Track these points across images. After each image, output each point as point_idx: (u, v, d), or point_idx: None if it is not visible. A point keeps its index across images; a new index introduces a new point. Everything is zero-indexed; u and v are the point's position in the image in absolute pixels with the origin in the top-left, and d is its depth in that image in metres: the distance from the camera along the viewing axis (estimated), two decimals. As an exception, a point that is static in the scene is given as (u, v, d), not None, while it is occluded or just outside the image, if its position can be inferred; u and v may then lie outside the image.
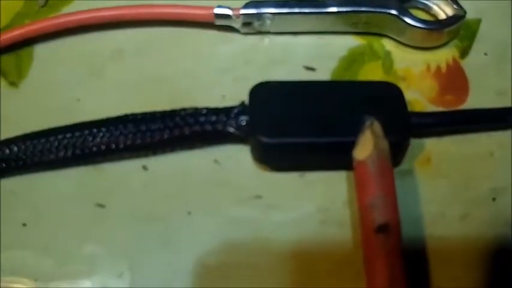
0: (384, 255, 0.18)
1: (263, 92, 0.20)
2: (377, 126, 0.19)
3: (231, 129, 0.20)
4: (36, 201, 0.21)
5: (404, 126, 0.20)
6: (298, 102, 0.20)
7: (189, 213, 0.20)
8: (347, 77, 0.22)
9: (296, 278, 0.20)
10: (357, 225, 0.20)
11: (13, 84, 0.22)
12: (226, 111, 0.20)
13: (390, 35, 0.22)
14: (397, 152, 0.20)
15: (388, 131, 0.20)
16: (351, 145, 0.20)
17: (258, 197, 0.20)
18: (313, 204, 0.20)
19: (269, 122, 0.20)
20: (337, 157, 0.20)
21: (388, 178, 0.18)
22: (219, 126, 0.20)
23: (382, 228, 0.18)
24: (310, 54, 0.22)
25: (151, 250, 0.20)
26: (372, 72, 0.22)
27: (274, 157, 0.20)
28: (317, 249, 0.20)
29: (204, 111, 0.20)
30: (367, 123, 0.19)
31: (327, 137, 0.20)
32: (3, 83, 0.22)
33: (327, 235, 0.20)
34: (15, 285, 0.21)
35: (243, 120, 0.20)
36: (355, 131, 0.20)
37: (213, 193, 0.20)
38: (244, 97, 0.21)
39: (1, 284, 0.21)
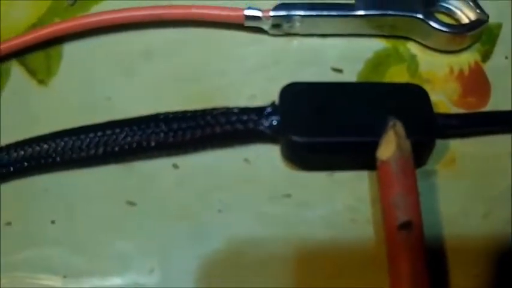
0: (407, 252, 0.18)
1: (293, 92, 0.20)
2: (400, 127, 0.19)
3: (262, 128, 0.20)
4: (66, 199, 0.21)
5: (430, 127, 0.20)
6: (328, 103, 0.20)
7: (220, 211, 0.21)
8: (373, 79, 0.22)
9: (326, 275, 0.20)
10: (381, 224, 0.20)
11: (42, 82, 0.23)
12: (258, 110, 0.20)
13: (415, 39, 0.22)
14: (422, 152, 0.21)
15: (414, 132, 0.20)
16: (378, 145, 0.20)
17: (288, 195, 0.21)
18: (342, 203, 0.21)
19: (300, 122, 0.20)
20: (366, 157, 0.20)
21: (410, 177, 0.19)
22: (250, 125, 0.20)
23: (405, 226, 0.18)
24: (338, 56, 0.22)
25: (181, 247, 0.20)
26: (397, 75, 0.22)
27: (305, 156, 0.20)
28: (347, 247, 0.20)
29: (236, 111, 0.20)
30: (390, 123, 0.19)
31: (356, 137, 0.20)
32: (33, 81, 0.23)
33: (357, 233, 0.20)
34: (44, 282, 0.21)
35: (274, 119, 0.20)
36: (382, 132, 0.20)
37: (243, 191, 0.21)
38: (274, 97, 0.21)
39: (31, 281, 0.21)
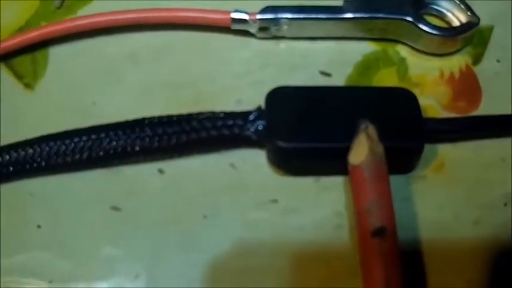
0: (380, 258, 0.18)
1: (279, 96, 0.20)
2: (372, 130, 0.19)
3: (248, 134, 0.20)
4: (52, 203, 0.21)
5: (418, 132, 0.20)
6: (315, 107, 0.20)
7: (205, 216, 0.20)
8: (362, 82, 0.22)
9: (312, 281, 0.20)
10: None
11: (28, 86, 0.22)
12: (243, 115, 0.20)
13: (405, 42, 0.22)
14: (411, 157, 0.20)
15: (402, 137, 0.20)
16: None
17: (274, 201, 0.20)
18: (328, 209, 0.20)
19: (286, 127, 0.20)
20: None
21: (383, 182, 0.18)
22: (236, 130, 0.20)
23: (378, 232, 0.18)
24: (326, 60, 0.22)
25: (167, 253, 0.20)
26: (386, 79, 0.22)
27: (291, 161, 0.20)
28: (333, 253, 0.20)
29: (221, 115, 0.20)
30: (362, 126, 0.19)
31: (343, 142, 0.20)
32: (19, 84, 0.22)
33: (343, 239, 0.20)
34: (30, 287, 0.21)
35: (260, 124, 0.20)
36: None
37: (229, 197, 0.21)
38: (261, 101, 0.21)
39: (17, 286, 0.21)
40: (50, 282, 0.20)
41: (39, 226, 0.21)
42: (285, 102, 0.20)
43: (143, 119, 0.20)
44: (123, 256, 0.20)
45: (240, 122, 0.20)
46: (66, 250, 0.21)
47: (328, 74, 0.22)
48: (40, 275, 0.20)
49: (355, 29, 0.22)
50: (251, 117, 0.20)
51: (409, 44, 0.22)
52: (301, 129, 0.20)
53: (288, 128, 0.20)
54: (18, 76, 0.22)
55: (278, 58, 0.22)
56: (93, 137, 0.20)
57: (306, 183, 0.21)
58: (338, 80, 0.22)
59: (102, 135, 0.20)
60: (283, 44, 0.22)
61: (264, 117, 0.20)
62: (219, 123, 0.20)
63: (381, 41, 0.22)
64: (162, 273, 0.20)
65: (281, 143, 0.20)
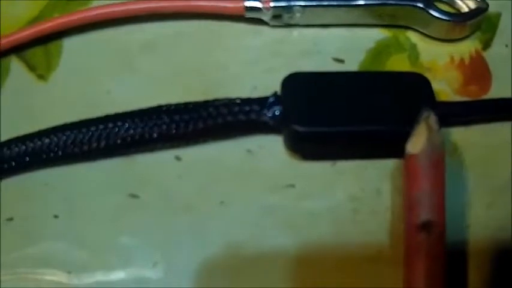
0: (424, 254, 0.17)
1: (296, 82, 0.20)
2: (433, 120, 0.18)
3: (265, 119, 0.20)
4: (68, 193, 0.21)
5: (433, 116, 0.20)
6: (330, 93, 0.20)
7: (222, 203, 0.21)
8: (375, 68, 0.22)
9: (328, 266, 0.20)
10: (394, 214, 0.20)
11: (42, 77, 0.22)
12: (260, 101, 0.20)
13: (415, 28, 0.22)
14: (426, 141, 0.21)
15: (415, 120, 0.20)
16: (381, 134, 0.20)
17: (291, 186, 0.21)
18: (345, 193, 0.21)
19: (302, 112, 0.20)
20: (369, 146, 0.21)
21: (438, 175, 0.18)
22: (253, 116, 0.20)
23: (425, 225, 0.17)
24: (339, 47, 0.22)
25: (184, 240, 0.20)
26: (398, 64, 0.22)
27: (308, 146, 0.20)
28: (350, 237, 0.20)
29: (238, 101, 0.20)
30: (424, 115, 0.18)
31: (359, 127, 0.20)
32: (32, 76, 0.22)
33: (359, 223, 0.20)
34: (48, 278, 0.21)
35: (277, 110, 0.20)
36: (385, 121, 0.20)
37: (245, 183, 0.21)
38: (275, 88, 0.21)
39: (34, 276, 0.21)
40: (69, 272, 0.20)
41: (56, 216, 0.21)
42: (301, 87, 0.20)
43: (160, 107, 0.21)
44: (140, 244, 0.20)
45: (256, 107, 0.20)
46: (84, 240, 0.21)
47: (341, 61, 0.22)
48: (58, 266, 0.20)
49: (366, 16, 0.22)
50: (268, 102, 0.20)
51: (420, 30, 0.22)
52: (318, 113, 0.20)
53: (305, 113, 0.20)
54: (31, 67, 0.22)
55: (291, 45, 0.22)
56: (110, 125, 0.21)
57: (322, 167, 0.21)
58: (351, 66, 0.22)
59: (119, 123, 0.20)
60: (295, 32, 0.22)
61: (280, 103, 0.20)
62: (236, 109, 0.20)
63: (392, 28, 0.23)
64: (180, 260, 0.20)
65: (298, 128, 0.20)
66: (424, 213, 0.18)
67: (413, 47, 0.23)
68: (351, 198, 0.20)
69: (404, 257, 0.18)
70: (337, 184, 0.21)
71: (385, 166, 0.21)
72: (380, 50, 0.22)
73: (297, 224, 0.20)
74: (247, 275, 0.20)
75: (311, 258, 0.20)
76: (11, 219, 0.21)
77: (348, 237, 0.20)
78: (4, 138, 0.21)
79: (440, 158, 0.18)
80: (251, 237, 0.20)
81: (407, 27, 0.23)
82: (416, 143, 0.18)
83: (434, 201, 0.18)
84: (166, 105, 0.21)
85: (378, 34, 0.22)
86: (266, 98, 0.20)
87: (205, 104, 0.20)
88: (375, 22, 0.22)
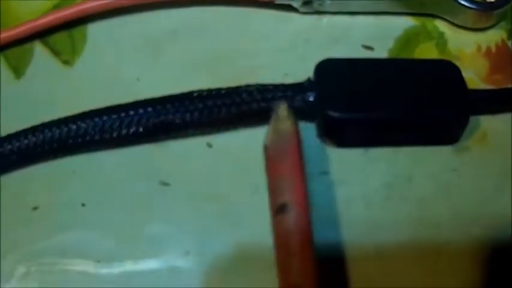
0: (283, 235, 0.17)
1: (329, 68, 0.20)
2: (282, 108, 0.18)
3: (298, 105, 0.20)
4: (96, 181, 0.21)
5: (464, 103, 0.20)
6: (363, 79, 0.20)
7: (255, 190, 0.20)
8: (403, 56, 0.22)
9: (360, 252, 0.20)
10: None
11: (67, 62, 0.22)
12: (293, 87, 0.20)
13: (443, 16, 0.22)
14: (458, 128, 0.21)
15: (449, 108, 0.20)
16: (414, 121, 0.20)
17: (325, 173, 0.20)
18: (377, 180, 0.20)
19: (336, 98, 0.20)
20: (401, 133, 0.21)
21: (289, 159, 0.18)
22: (287, 102, 0.20)
23: (281, 208, 0.17)
24: (368, 34, 0.22)
25: (216, 228, 0.20)
26: (426, 52, 0.22)
27: (341, 132, 0.20)
28: (381, 223, 0.20)
29: (271, 87, 0.20)
30: (274, 108, 0.19)
31: (392, 113, 0.20)
32: (57, 61, 0.22)
33: (391, 210, 0.20)
34: (76, 268, 0.20)
35: (310, 95, 0.20)
36: (418, 107, 0.20)
37: (279, 170, 0.21)
38: (306, 75, 0.21)
39: (61, 266, 0.20)
40: (98, 261, 0.20)
41: (83, 204, 0.21)
42: (335, 74, 0.20)
43: (192, 92, 0.20)
44: (172, 233, 0.20)
45: (290, 93, 0.20)
46: (113, 228, 0.20)
47: (370, 48, 0.22)
48: (86, 255, 0.20)
49: (395, 4, 0.22)
50: (301, 88, 0.20)
51: (447, 18, 0.23)
52: (352, 100, 0.20)
53: (339, 99, 0.20)
54: (56, 53, 0.22)
55: (321, 32, 0.22)
56: (141, 111, 0.20)
57: (354, 154, 0.21)
58: (380, 53, 0.22)
59: (150, 109, 0.20)
60: (325, 19, 0.22)
61: (314, 89, 0.20)
62: (269, 95, 0.20)
63: (420, 16, 0.23)
64: (212, 249, 0.20)
65: (333, 113, 0.20)
66: (280, 198, 0.17)
67: (441, 35, 0.23)
68: (383, 185, 0.20)
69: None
70: (369, 171, 0.20)
71: (416, 153, 0.21)
72: (409, 38, 0.22)
73: (330, 210, 0.20)
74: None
75: (344, 245, 0.20)
76: (36, 208, 0.21)
77: (380, 224, 0.20)
78: (29, 124, 0.21)
79: (292, 144, 0.18)
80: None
81: (435, 16, 0.23)
82: (268, 135, 0.18)
83: (290, 186, 0.18)
84: (197, 91, 0.20)
85: (406, 22, 0.22)
86: (300, 84, 0.20)
87: (238, 89, 0.20)
88: (403, 10, 0.22)
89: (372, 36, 0.22)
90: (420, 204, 0.20)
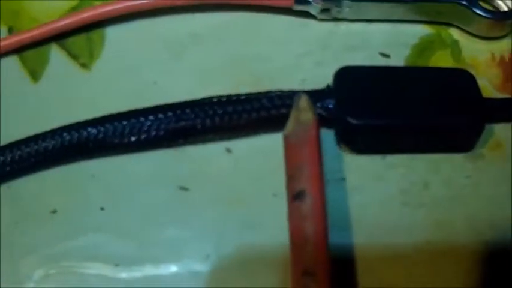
0: (300, 220, 0.18)
1: (347, 75, 0.21)
2: (303, 100, 0.19)
3: (318, 111, 0.20)
4: (115, 185, 0.21)
5: (479, 111, 0.21)
6: (381, 87, 0.20)
7: (274, 195, 0.20)
8: (419, 64, 0.22)
9: (377, 257, 0.20)
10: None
11: (85, 66, 0.22)
12: (313, 93, 0.20)
13: (458, 25, 0.23)
14: (473, 136, 0.21)
15: (465, 116, 0.20)
16: (431, 128, 0.21)
17: (342, 179, 0.21)
18: (394, 186, 0.21)
19: (356, 105, 0.20)
20: (418, 140, 0.21)
21: (308, 148, 0.18)
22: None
23: (298, 195, 0.17)
24: (384, 42, 0.22)
25: (236, 232, 0.20)
26: (442, 60, 0.22)
27: (360, 139, 0.20)
28: (399, 229, 0.20)
29: (291, 94, 0.20)
30: (295, 98, 0.19)
31: (411, 120, 0.20)
32: (75, 65, 0.22)
33: (409, 216, 0.20)
34: (95, 271, 0.20)
35: (330, 102, 0.20)
36: (435, 115, 0.20)
37: (297, 175, 0.21)
38: (324, 81, 0.21)
39: (80, 270, 0.20)
40: (117, 265, 0.20)
41: (102, 208, 0.21)
42: (354, 81, 0.20)
43: (211, 98, 0.20)
44: (191, 237, 0.20)
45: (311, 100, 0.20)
46: (132, 232, 0.20)
47: (387, 55, 0.22)
48: (105, 259, 0.20)
49: (411, 12, 0.22)
50: (321, 95, 0.20)
51: (462, 27, 0.23)
52: (371, 107, 0.20)
53: (359, 106, 0.20)
54: (73, 56, 0.22)
55: (338, 39, 0.22)
56: (160, 116, 0.20)
57: (372, 161, 0.21)
58: (397, 61, 0.22)
59: (170, 113, 0.20)
60: (342, 26, 0.22)
61: (333, 96, 0.20)
62: (289, 101, 0.20)
63: (435, 24, 0.23)
64: (232, 252, 0.20)
65: (352, 120, 0.20)
66: (298, 185, 0.18)
67: (456, 43, 0.23)
68: (400, 191, 0.21)
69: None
70: (387, 177, 0.21)
71: (432, 159, 0.21)
72: (424, 46, 0.23)
73: (348, 216, 0.20)
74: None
75: (360, 250, 0.20)
76: (54, 211, 0.21)
77: (395, 229, 0.20)
78: (46, 127, 0.21)
79: (310, 133, 0.18)
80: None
81: (449, 24, 0.23)
82: (288, 125, 0.19)
83: (308, 174, 0.18)
84: (217, 97, 0.20)
85: (422, 30, 0.23)
86: (319, 91, 0.20)
87: (259, 95, 0.20)
88: (419, 18, 0.23)
89: (388, 44, 0.22)
90: (435, 210, 0.21)
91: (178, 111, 0.20)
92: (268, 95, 0.20)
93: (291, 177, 0.18)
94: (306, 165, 0.18)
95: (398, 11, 0.22)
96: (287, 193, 0.18)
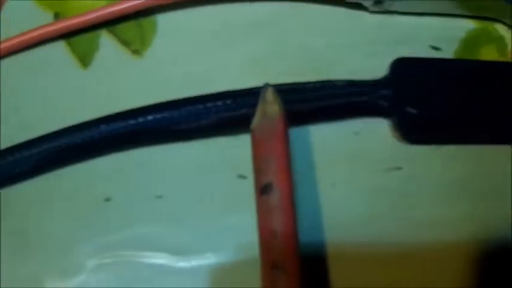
0: (269, 213, 0.18)
1: (404, 67, 0.21)
2: (269, 93, 0.19)
3: (377, 101, 0.20)
4: (172, 173, 0.20)
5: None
6: (438, 78, 0.21)
7: (333, 184, 0.20)
8: (468, 57, 0.22)
9: (436, 247, 0.20)
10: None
11: (136, 52, 0.22)
12: (372, 83, 0.20)
13: (503, 20, 0.23)
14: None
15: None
16: (487, 121, 0.21)
17: (398, 168, 0.21)
18: (449, 176, 0.21)
19: (414, 95, 0.20)
20: (471, 131, 0.21)
21: (275, 142, 0.18)
22: (365, 98, 0.20)
23: (265, 188, 0.18)
24: (434, 35, 0.22)
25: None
26: (488, 54, 0.23)
27: (417, 129, 0.21)
28: (454, 219, 0.21)
29: (352, 83, 0.20)
30: (262, 91, 0.19)
31: (467, 112, 0.21)
32: (126, 51, 0.22)
33: (462, 207, 0.21)
34: (152, 260, 0.20)
35: (388, 92, 0.20)
36: (490, 108, 0.21)
37: (354, 164, 0.21)
38: (375, 73, 0.21)
39: (137, 259, 0.20)
40: (174, 254, 0.20)
41: (159, 197, 0.20)
42: (410, 71, 0.21)
43: (274, 85, 0.20)
44: (251, 224, 0.20)
45: (368, 90, 0.20)
46: (190, 221, 0.20)
47: (438, 48, 0.22)
48: (163, 248, 0.20)
49: (458, 6, 0.22)
50: (380, 85, 0.20)
51: (507, 22, 0.23)
52: (429, 97, 0.20)
53: (416, 96, 0.20)
54: (124, 42, 0.22)
55: (389, 31, 0.22)
56: (219, 103, 0.20)
57: (427, 151, 0.21)
58: (447, 54, 0.22)
59: (229, 101, 0.20)
60: (393, 18, 0.22)
61: (391, 86, 0.20)
62: (349, 90, 0.20)
63: (481, 19, 0.23)
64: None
65: (411, 110, 0.20)
66: (265, 179, 0.18)
67: (501, 38, 0.23)
68: (454, 181, 0.21)
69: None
70: (441, 167, 0.21)
71: (484, 150, 0.21)
72: (471, 40, 0.23)
73: (404, 205, 0.20)
74: (357, 256, 0.20)
75: (416, 239, 0.20)
76: (108, 199, 0.20)
77: (451, 220, 0.21)
78: (98, 114, 0.20)
79: (279, 127, 0.18)
80: (362, 218, 0.20)
81: (495, 20, 0.23)
82: (256, 118, 0.19)
83: (275, 167, 0.18)
84: (278, 85, 0.20)
85: (469, 24, 0.23)
86: (377, 81, 0.21)
87: (319, 84, 0.20)
88: (465, 13, 0.23)
89: (438, 37, 0.22)
90: (484, 201, 0.21)
91: (239, 99, 0.20)
92: (329, 84, 0.20)
93: (258, 170, 0.18)
94: (273, 159, 0.18)
95: (446, 5, 0.22)
96: (254, 187, 0.18)
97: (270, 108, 0.18)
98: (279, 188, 0.18)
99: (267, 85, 0.19)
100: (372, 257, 0.20)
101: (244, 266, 0.19)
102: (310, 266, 0.20)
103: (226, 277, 0.19)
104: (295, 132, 0.20)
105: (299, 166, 0.20)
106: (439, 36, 0.22)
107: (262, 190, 0.18)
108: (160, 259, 0.20)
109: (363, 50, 0.22)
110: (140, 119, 0.20)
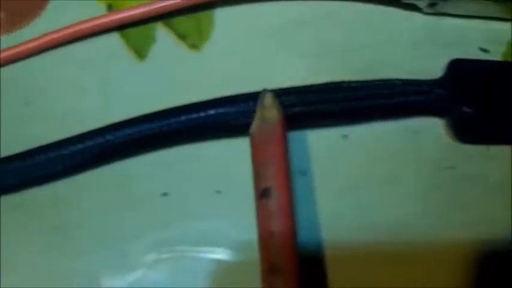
0: (268, 217, 0.18)
1: (459, 67, 0.21)
2: (268, 97, 0.19)
3: (433, 101, 0.21)
4: (231, 168, 0.21)
5: None
6: (492, 80, 0.21)
7: (388, 181, 0.21)
8: (513, 60, 0.23)
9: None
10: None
11: (194, 46, 0.21)
12: (428, 83, 0.21)
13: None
14: None
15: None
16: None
17: (452, 167, 0.21)
18: (498, 176, 0.21)
19: (470, 96, 0.21)
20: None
21: (274, 146, 0.18)
22: (422, 98, 0.21)
23: (265, 192, 0.18)
24: (483, 37, 0.23)
25: (348, 216, 0.20)
26: (532, 58, 0.23)
27: (471, 129, 0.21)
28: (502, 220, 0.21)
29: (408, 82, 0.21)
30: (261, 95, 0.19)
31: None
32: (184, 45, 0.21)
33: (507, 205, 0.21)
34: (210, 255, 0.20)
35: (445, 92, 0.21)
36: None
37: (410, 162, 0.21)
38: (425, 74, 0.21)
39: (194, 255, 0.20)
40: (233, 250, 0.20)
41: (218, 192, 0.20)
42: (465, 72, 0.21)
43: (332, 83, 0.20)
44: (306, 221, 0.20)
45: (426, 89, 0.21)
46: (248, 216, 0.20)
47: (487, 51, 0.23)
48: (222, 243, 0.20)
49: (505, 10, 0.23)
50: (436, 84, 0.21)
51: (547, 27, 0.24)
52: (484, 97, 0.21)
53: (471, 97, 0.21)
54: (181, 36, 0.21)
55: (441, 33, 0.22)
56: (283, 98, 0.20)
57: (479, 151, 0.21)
58: (495, 56, 0.23)
59: (284, 98, 0.20)
60: (445, 20, 0.23)
61: (447, 86, 0.21)
62: (407, 89, 0.20)
63: (525, 23, 0.24)
64: (343, 238, 0.20)
65: (467, 109, 0.20)
66: (264, 183, 0.18)
67: (542, 43, 0.24)
68: (504, 180, 0.21)
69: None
70: (492, 167, 0.21)
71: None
72: (516, 44, 0.24)
73: (457, 204, 0.21)
74: (410, 254, 0.20)
75: (469, 233, 0.21)
76: (165, 194, 0.20)
77: (501, 219, 0.21)
78: (155, 108, 0.20)
79: (275, 130, 0.19)
80: (414, 217, 0.20)
81: (537, 24, 0.24)
82: (254, 122, 0.19)
83: (273, 171, 0.18)
84: (335, 83, 0.20)
85: (513, 28, 0.24)
86: (433, 80, 0.21)
87: (375, 83, 0.20)
88: (510, 17, 0.24)
89: (485, 40, 0.23)
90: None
91: (301, 95, 0.20)
92: (387, 83, 0.20)
93: (257, 174, 0.18)
94: (272, 163, 0.18)
95: (494, 8, 0.23)
96: (254, 191, 0.19)
97: (269, 112, 0.19)
98: (277, 192, 0.18)
99: (267, 91, 0.19)
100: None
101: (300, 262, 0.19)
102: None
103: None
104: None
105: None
106: (488, 39, 0.23)
107: (262, 194, 0.18)
108: (219, 254, 0.20)
109: (417, 50, 0.22)
110: (202, 114, 0.20)
